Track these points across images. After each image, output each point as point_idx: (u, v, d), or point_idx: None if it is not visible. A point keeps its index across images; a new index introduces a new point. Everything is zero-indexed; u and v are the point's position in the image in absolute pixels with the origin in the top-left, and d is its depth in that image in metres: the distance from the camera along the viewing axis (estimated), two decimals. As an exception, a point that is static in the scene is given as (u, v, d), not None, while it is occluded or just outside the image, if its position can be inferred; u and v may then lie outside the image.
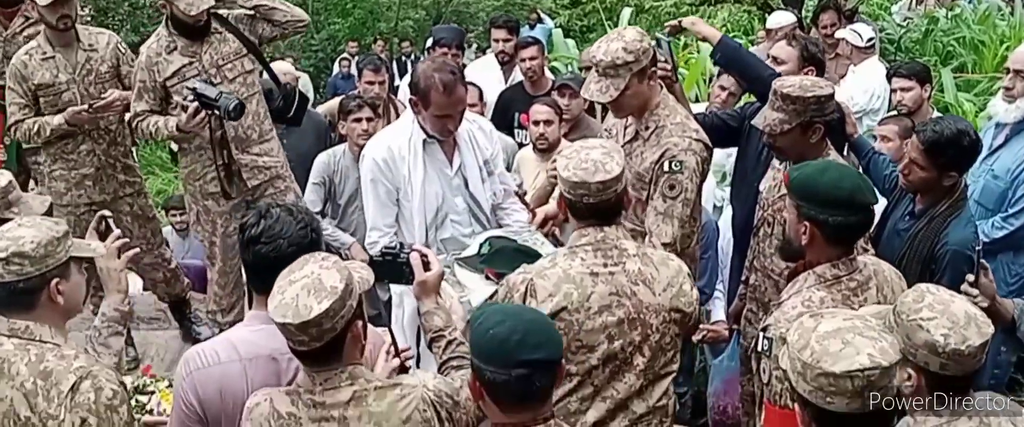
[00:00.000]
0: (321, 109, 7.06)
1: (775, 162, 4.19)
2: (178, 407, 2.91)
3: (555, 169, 3.98)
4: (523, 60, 6.63)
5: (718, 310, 5.43)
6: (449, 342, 3.03)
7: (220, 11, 5.15)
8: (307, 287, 2.54)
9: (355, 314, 2.61)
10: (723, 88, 6.20)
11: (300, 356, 2.63)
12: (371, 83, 6.42)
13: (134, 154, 5.73)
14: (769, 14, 9.93)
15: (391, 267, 3.23)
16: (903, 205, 4.09)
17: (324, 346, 2.57)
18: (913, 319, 2.47)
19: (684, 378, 5.49)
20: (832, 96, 3.93)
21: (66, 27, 5.18)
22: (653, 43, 4.03)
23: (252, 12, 5.21)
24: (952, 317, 2.45)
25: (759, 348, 3.05)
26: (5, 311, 2.79)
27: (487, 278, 3.79)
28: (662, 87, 4.08)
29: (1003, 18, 11.32)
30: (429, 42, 8.14)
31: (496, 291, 3.33)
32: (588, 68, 5.01)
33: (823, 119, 3.87)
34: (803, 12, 10.87)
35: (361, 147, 5.78)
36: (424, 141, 4.23)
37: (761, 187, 4.29)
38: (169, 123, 5.04)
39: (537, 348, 2.42)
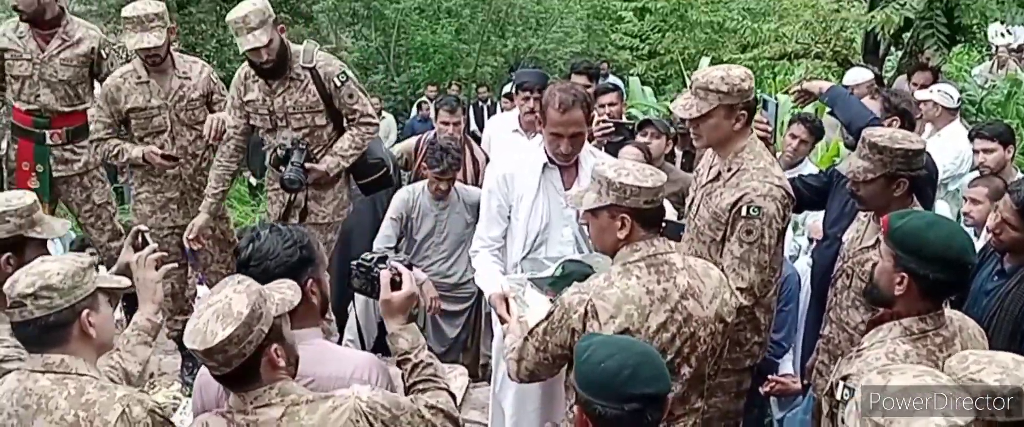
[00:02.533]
0: (396, 149, 7.14)
1: (860, 214, 4.16)
2: None
3: None
4: (602, 106, 6.65)
5: (786, 362, 5.37)
6: (414, 365, 2.98)
7: (318, 66, 5.18)
8: (217, 312, 2.55)
9: (269, 338, 2.60)
10: (794, 136, 6.18)
11: (218, 379, 2.66)
12: (446, 123, 6.51)
13: None
14: (847, 70, 9.90)
15: (362, 278, 3.14)
16: (989, 265, 3.99)
17: (235, 371, 2.58)
18: (963, 375, 2.42)
19: (751, 432, 5.43)
20: (922, 151, 3.88)
21: (154, 64, 5.32)
22: (760, 103, 4.05)
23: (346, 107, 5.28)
24: (1001, 363, 2.43)
25: (839, 397, 2.98)
26: (39, 348, 2.75)
27: (551, 301, 3.77)
28: (752, 134, 4.06)
29: (1087, 83, 11.08)
30: (507, 87, 8.17)
31: (552, 312, 3.31)
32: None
33: (909, 173, 3.82)
34: (883, 69, 10.78)
35: (443, 189, 5.93)
36: (545, 164, 4.27)
37: (843, 238, 4.24)
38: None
39: (649, 382, 2.42)
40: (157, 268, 3.35)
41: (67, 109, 5.66)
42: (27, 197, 3.39)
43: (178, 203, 5.57)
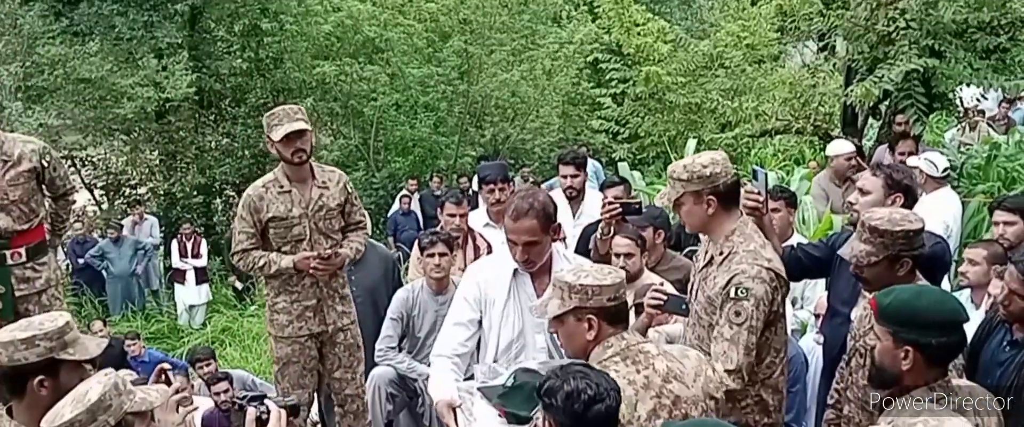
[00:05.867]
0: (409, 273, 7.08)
1: (864, 290, 4.17)
2: None
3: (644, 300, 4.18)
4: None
5: (799, 442, 5.33)
6: None
7: None
8: (75, 396, 2.78)
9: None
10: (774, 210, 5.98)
11: None
12: (453, 215, 6.51)
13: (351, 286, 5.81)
14: (828, 143, 10.01)
15: (234, 415, 3.24)
16: (998, 334, 3.99)
17: None
18: None
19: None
20: (921, 230, 3.92)
21: (301, 160, 5.35)
22: (749, 174, 4.10)
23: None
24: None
25: None
26: None
27: (500, 416, 3.71)
28: (742, 214, 4.11)
29: (1064, 144, 11.21)
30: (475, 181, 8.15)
31: None
32: None
33: (911, 253, 3.86)
34: (863, 140, 10.90)
35: (438, 280, 5.91)
36: (515, 271, 4.25)
37: (852, 316, 4.24)
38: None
39: None
40: (178, 410, 3.31)
41: (24, 227, 5.52)
42: (59, 319, 3.34)
43: (314, 311, 5.51)
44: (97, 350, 3.40)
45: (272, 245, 5.43)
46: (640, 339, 3.33)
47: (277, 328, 5.52)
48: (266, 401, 3.12)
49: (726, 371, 3.79)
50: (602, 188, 6.91)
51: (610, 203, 5.52)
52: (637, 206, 5.49)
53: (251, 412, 3.05)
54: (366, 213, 5.75)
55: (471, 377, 4.19)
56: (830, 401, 4.44)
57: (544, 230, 4.13)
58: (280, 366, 5.57)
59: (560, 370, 2.97)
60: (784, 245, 4.76)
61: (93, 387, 2.73)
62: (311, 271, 5.35)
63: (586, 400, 2.84)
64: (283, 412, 3.10)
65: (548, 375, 3.01)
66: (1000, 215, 5.57)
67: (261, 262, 5.40)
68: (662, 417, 3.18)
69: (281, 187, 5.39)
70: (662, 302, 4.40)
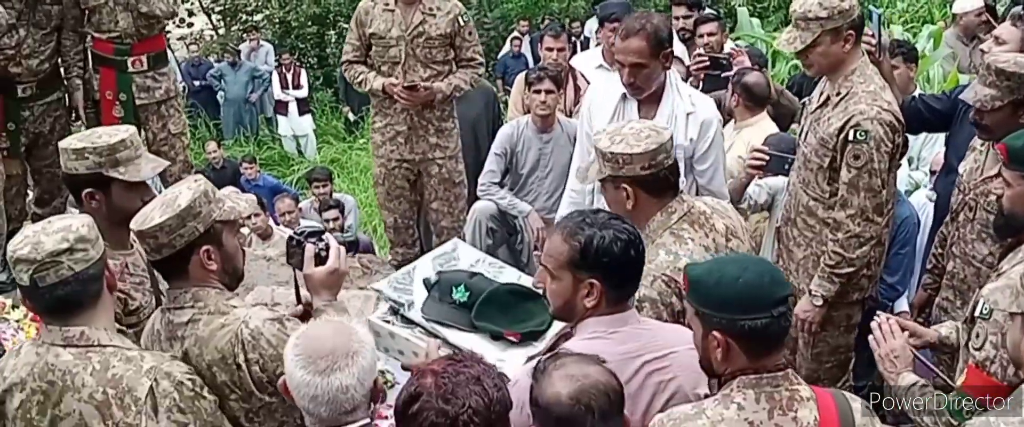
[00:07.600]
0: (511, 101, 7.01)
1: (975, 142, 4.03)
2: None
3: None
4: (701, 36, 6.45)
5: (902, 302, 5.23)
6: None
7: None
8: (164, 200, 2.68)
9: (203, 239, 2.68)
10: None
11: (151, 265, 2.86)
12: (550, 49, 6.41)
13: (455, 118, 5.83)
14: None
15: (292, 250, 3.00)
16: None
17: (164, 260, 2.70)
18: None
19: (863, 370, 5.32)
20: None
21: None
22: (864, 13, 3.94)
23: None
24: None
25: (977, 313, 2.95)
26: (55, 317, 2.59)
27: (497, 339, 3.30)
28: (863, 55, 3.97)
29: None
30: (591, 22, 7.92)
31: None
32: None
33: None
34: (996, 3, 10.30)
35: (543, 118, 5.87)
36: (624, 95, 4.13)
37: (960, 169, 4.12)
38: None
39: (784, 285, 2.37)
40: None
41: (145, 31, 5.56)
42: (116, 135, 3.22)
43: (405, 137, 5.66)
44: (151, 173, 3.30)
45: (373, 63, 5.52)
46: (689, 199, 3.23)
47: (374, 146, 5.79)
48: (325, 236, 3.00)
49: (847, 216, 3.82)
50: (695, 24, 6.61)
51: (699, 56, 5.38)
52: (726, 61, 5.32)
53: (309, 248, 2.92)
54: (481, 51, 5.74)
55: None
56: (929, 265, 4.37)
57: (653, 54, 3.92)
58: (375, 184, 5.90)
59: (587, 223, 2.65)
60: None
61: (183, 193, 2.66)
62: (396, 98, 5.41)
63: (628, 243, 2.64)
64: (342, 249, 3.00)
65: (584, 232, 2.63)
66: None
67: (359, 78, 5.55)
68: None
69: (387, 5, 5.43)
70: (764, 163, 4.32)
